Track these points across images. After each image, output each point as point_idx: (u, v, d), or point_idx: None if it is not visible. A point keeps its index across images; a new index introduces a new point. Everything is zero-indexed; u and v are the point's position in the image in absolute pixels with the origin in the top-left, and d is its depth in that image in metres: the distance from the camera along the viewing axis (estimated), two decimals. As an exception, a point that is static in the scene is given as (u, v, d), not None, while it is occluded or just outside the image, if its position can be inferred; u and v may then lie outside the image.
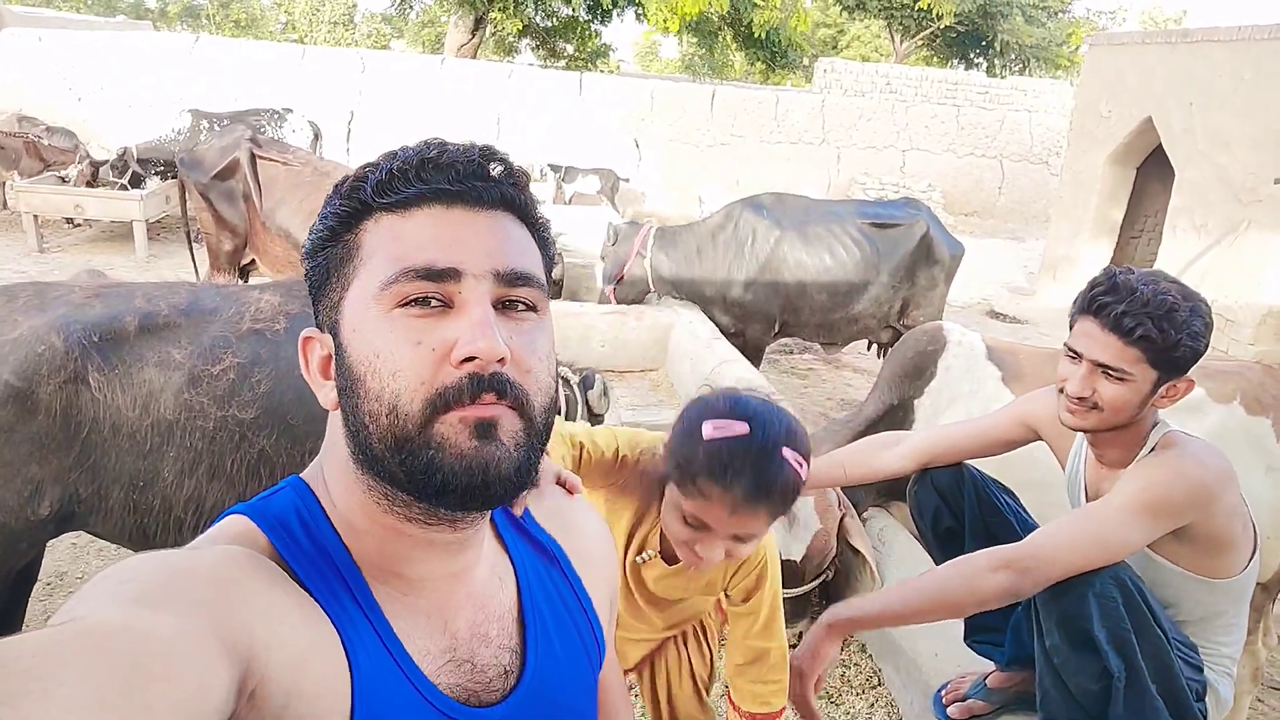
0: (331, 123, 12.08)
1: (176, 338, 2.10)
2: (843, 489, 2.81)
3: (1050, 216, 10.75)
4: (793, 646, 2.77)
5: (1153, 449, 1.74)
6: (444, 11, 18.02)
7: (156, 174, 8.61)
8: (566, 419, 2.76)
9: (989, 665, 2.15)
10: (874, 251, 5.30)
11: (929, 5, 20.08)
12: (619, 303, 5.51)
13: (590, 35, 18.96)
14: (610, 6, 16.58)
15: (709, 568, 1.43)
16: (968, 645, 2.18)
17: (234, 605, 0.60)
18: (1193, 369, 1.67)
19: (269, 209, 5.23)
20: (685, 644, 1.86)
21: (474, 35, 16.71)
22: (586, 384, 2.85)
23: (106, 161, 8.38)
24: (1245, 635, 1.92)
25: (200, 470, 2.08)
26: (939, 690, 2.26)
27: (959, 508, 2.05)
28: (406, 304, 0.68)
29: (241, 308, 2.20)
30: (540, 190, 9.38)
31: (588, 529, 0.98)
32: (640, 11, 16.42)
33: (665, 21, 15.43)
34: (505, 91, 13.32)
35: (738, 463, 1.25)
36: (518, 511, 0.91)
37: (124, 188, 8.08)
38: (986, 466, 2.12)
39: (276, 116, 9.47)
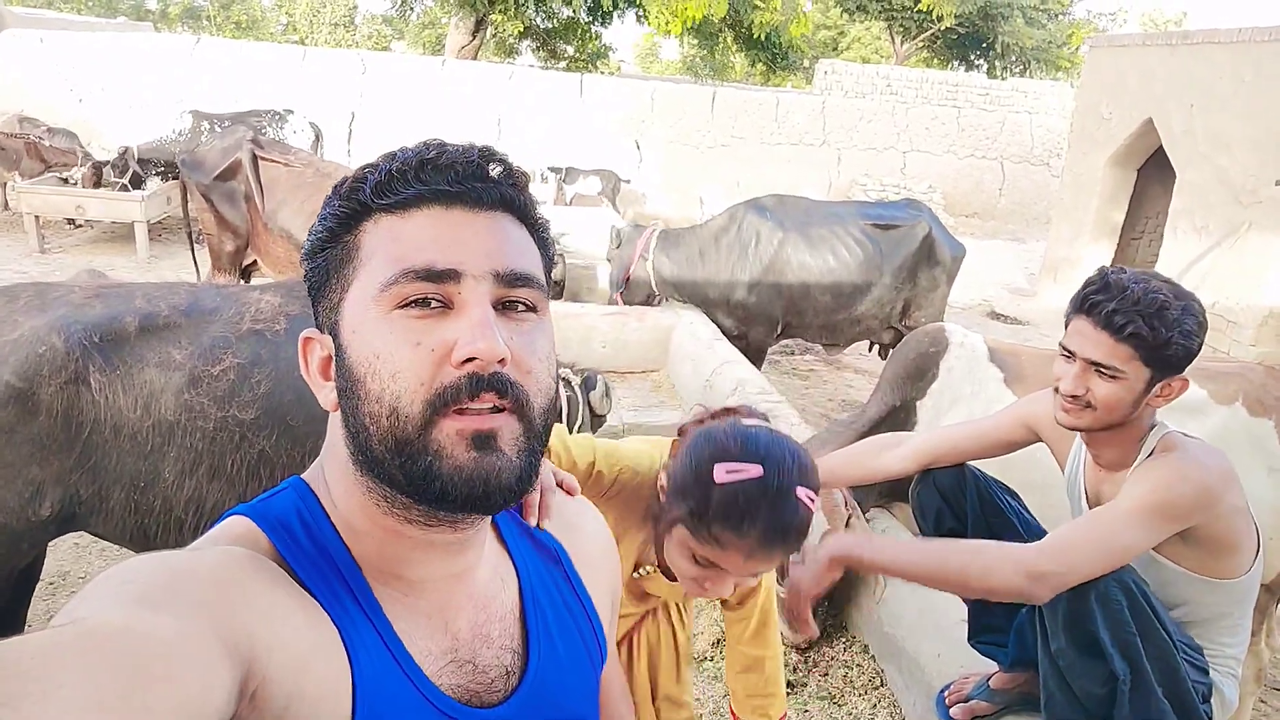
0: (332, 124, 12.09)
1: (177, 338, 2.10)
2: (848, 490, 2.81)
3: (1051, 218, 10.75)
4: (803, 650, 2.79)
5: (1152, 452, 1.74)
6: (445, 13, 18.04)
7: (157, 174, 8.62)
8: (568, 420, 2.76)
9: (992, 666, 2.15)
10: (877, 252, 5.30)
11: (929, 7, 20.09)
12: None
13: (591, 37, 18.98)
14: (611, 8, 16.59)
15: (718, 598, 1.41)
16: (971, 646, 2.18)
17: (235, 606, 0.60)
18: (1194, 371, 1.68)
19: (271, 210, 5.24)
20: (668, 615, 1.83)
21: (474, 37, 16.73)
22: (588, 385, 2.85)
23: (109, 162, 8.39)
24: (1249, 636, 1.92)
25: (200, 471, 2.08)
26: (942, 691, 2.26)
27: (961, 508, 2.05)
28: (406, 305, 0.68)
29: (241, 308, 2.20)
30: (541, 193, 9.38)
31: (588, 529, 0.98)
32: (641, 13, 16.43)
33: (667, 24, 15.45)
34: (506, 93, 13.33)
35: (753, 509, 1.21)
36: (532, 522, 0.91)
37: (125, 188, 8.09)
38: (988, 468, 2.12)
39: (277, 118, 9.48)
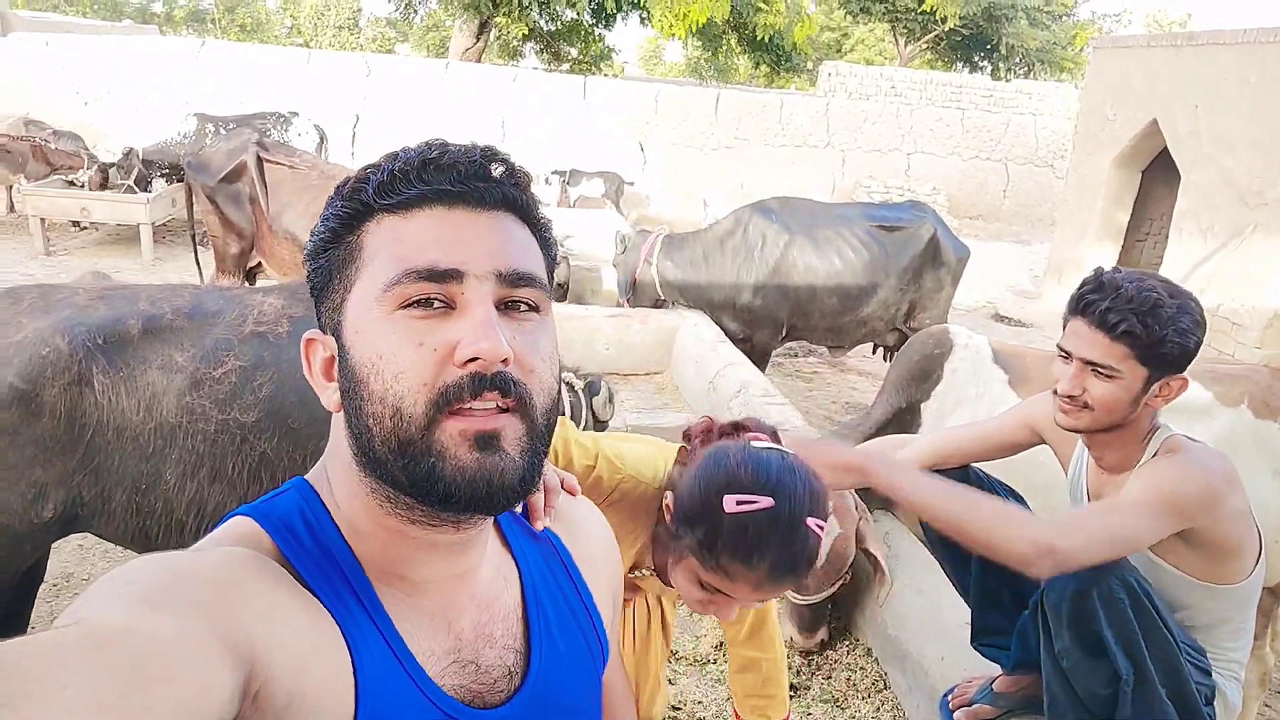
0: (337, 126, 12.12)
1: (179, 340, 2.10)
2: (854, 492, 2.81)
3: (1055, 220, 10.74)
4: (813, 654, 2.78)
5: (1155, 454, 1.73)
6: (449, 16, 18.08)
7: (162, 176, 8.64)
8: (571, 423, 2.76)
9: (995, 669, 2.14)
10: (883, 254, 5.30)
11: (933, 8, 20.07)
12: None
13: (594, 39, 18.99)
14: (614, 11, 16.60)
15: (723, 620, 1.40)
16: (974, 648, 2.17)
17: (236, 607, 0.60)
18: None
19: (275, 212, 5.25)
20: (657, 599, 1.82)
21: (478, 39, 16.76)
22: (592, 391, 2.85)
23: (114, 165, 8.41)
24: (1252, 640, 1.91)
25: (202, 473, 2.08)
26: (945, 694, 2.25)
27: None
28: (409, 305, 0.68)
29: (244, 311, 2.20)
30: (544, 195, 9.39)
31: (590, 529, 0.98)
32: (645, 16, 16.45)
33: (670, 27, 15.46)
34: (509, 95, 13.35)
35: (763, 542, 1.19)
36: (537, 526, 0.90)
37: (130, 190, 8.11)
38: (992, 470, 2.12)
39: (282, 120, 9.50)
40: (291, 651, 0.62)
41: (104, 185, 8.24)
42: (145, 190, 8.21)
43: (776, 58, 18.91)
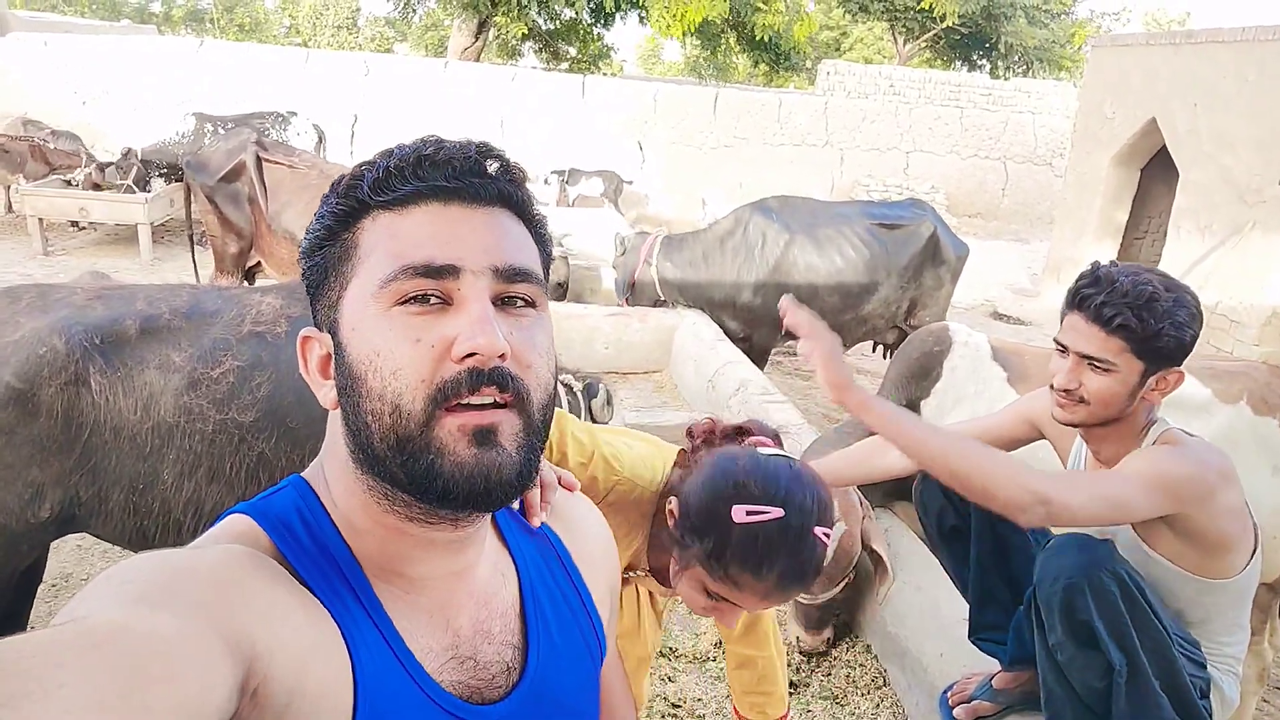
0: (335, 126, 12.11)
1: (177, 340, 2.09)
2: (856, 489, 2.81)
3: (1054, 218, 10.73)
4: (819, 655, 2.78)
5: (1153, 445, 1.74)
6: (447, 15, 18.07)
7: (160, 176, 8.63)
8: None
9: (995, 666, 2.15)
10: (883, 252, 5.29)
11: (931, 6, 20.07)
12: None
13: (593, 38, 18.99)
14: (613, 10, 16.60)
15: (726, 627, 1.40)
16: (972, 643, 2.17)
17: (235, 605, 0.60)
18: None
19: (274, 211, 5.25)
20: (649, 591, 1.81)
21: (477, 39, 16.76)
22: (590, 393, 2.85)
23: (112, 164, 8.41)
24: (1249, 635, 1.91)
25: (199, 473, 2.08)
26: (945, 691, 2.26)
27: (964, 506, 2.05)
28: (405, 302, 0.68)
29: (242, 310, 2.20)
30: (543, 195, 9.38)
31: (588, 526, 0.98)
32: (643, 15, 16.45)
33: (669, 26, 15.45)
34: (508, 94, 13.35)
35: (772, 552, 1.19)
36: (534, 523, 0.90)
37: (129, 190, 8.11)
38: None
39: (281, 120, 9.49)
40: (290, 649, 0.62)
41: (101, 185, 8.23)
42: (144, 190, 8.20)
43: (775, 57, 18.89)
